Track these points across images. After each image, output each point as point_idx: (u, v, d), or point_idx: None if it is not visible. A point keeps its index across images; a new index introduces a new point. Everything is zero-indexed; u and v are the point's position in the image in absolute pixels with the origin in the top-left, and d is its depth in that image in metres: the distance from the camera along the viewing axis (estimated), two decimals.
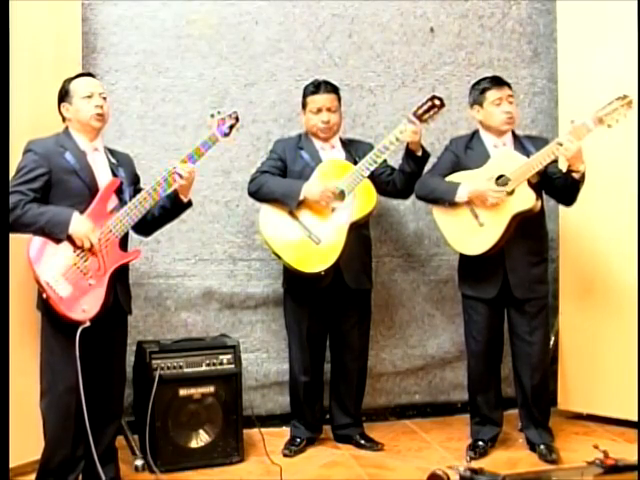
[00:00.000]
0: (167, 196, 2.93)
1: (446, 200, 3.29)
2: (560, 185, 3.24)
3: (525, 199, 3.17)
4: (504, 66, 4.06)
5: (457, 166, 3.35)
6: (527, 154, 3.23)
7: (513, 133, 3.37)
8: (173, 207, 3.00)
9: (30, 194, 2.73)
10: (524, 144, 3.33)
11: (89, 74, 2.99)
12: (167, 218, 3.06)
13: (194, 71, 3.78)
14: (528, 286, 3.29)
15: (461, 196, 3.24)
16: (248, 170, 3.63)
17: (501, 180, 3.20)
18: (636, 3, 3.52)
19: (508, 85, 3.36)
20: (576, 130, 3.08)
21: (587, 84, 3.71)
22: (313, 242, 3.31)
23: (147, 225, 3.03)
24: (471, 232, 3.26)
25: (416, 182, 3.40)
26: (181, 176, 2.88)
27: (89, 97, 2.85)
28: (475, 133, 3.41)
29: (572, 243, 3.82)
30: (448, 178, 3.33)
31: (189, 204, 3.02)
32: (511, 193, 3.18)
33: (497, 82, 3.34)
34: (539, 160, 3.14)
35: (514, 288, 3.28)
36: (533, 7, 4.14)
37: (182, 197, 2.96)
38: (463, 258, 3.40)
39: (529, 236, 3.26)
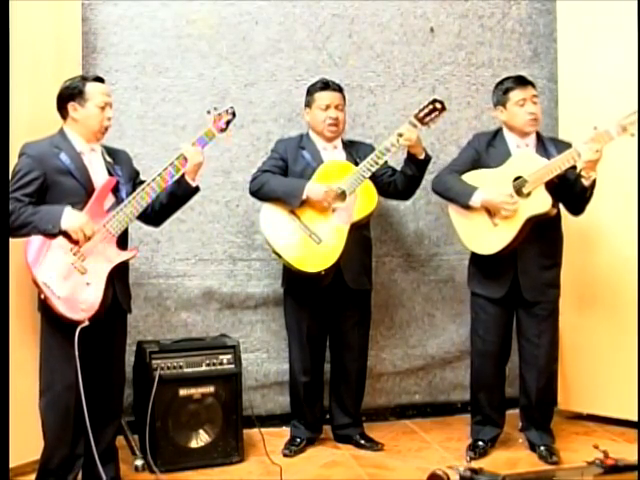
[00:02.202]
0: (175, 182, 2.92)
1: (460, 203, 3.28)
2: (571, 191, 3.18)
3: (541, 203, 3.13)
4: (504, 66, 4.05)
5: (477, 163, 3.33)
6: (548, 157, 3.18)
7: (537, 134, 3.33)
8: (182, 193, 2.97)
9: (25, 199, 2.73)
10: (547, 146, 3.27)
11: (102, 79, 2.95)
12: (176, 205, 3.03)
13: (194, 71, 3.78)
14: (538, 289, 3.26)
15: (475, 202, 3.22)
16: (248, 170, 3.63)
17: (518, 182, 3.16)
18: (636, 3, 3.52)
19: (532, 85, 3.30)
20: (598, 137, 3.02)
21: (587, 84, 3.71)
22: (314, 242, 3.31)
23: (156, 214, 3.02)
24: (484, 231, 3.24)
25: (434, 178, 3.41)
26: (186, 159, 2.88)
27: (103, 108, 2.85)
28: (499, 131, 3.37)
29: (572, 244, 3.80)
30: (466, 176, 3.30)
31: (197, 189, 3.00)
32: (527, 195, 3.15)
33: (521, 82, 3.29)
34: (558, 164, 3.09)
35: (524, 290, 3.25)
36: (533, 7, 4.13)
37: (189, 180, 2.93)
38: (474, 255, 3.36)
39: (543, 239, 3.23)
